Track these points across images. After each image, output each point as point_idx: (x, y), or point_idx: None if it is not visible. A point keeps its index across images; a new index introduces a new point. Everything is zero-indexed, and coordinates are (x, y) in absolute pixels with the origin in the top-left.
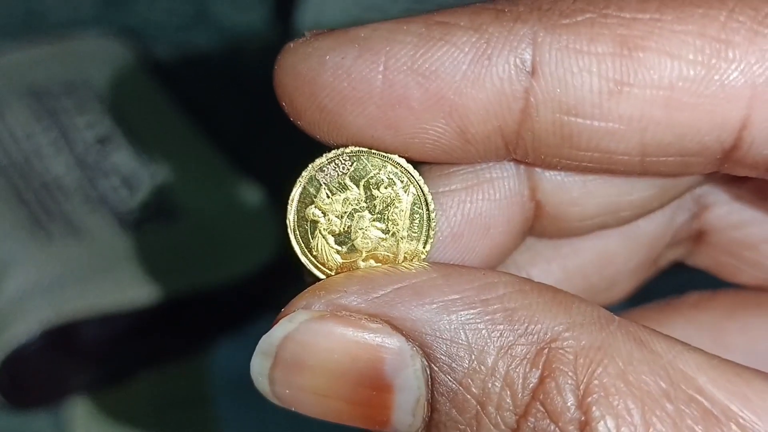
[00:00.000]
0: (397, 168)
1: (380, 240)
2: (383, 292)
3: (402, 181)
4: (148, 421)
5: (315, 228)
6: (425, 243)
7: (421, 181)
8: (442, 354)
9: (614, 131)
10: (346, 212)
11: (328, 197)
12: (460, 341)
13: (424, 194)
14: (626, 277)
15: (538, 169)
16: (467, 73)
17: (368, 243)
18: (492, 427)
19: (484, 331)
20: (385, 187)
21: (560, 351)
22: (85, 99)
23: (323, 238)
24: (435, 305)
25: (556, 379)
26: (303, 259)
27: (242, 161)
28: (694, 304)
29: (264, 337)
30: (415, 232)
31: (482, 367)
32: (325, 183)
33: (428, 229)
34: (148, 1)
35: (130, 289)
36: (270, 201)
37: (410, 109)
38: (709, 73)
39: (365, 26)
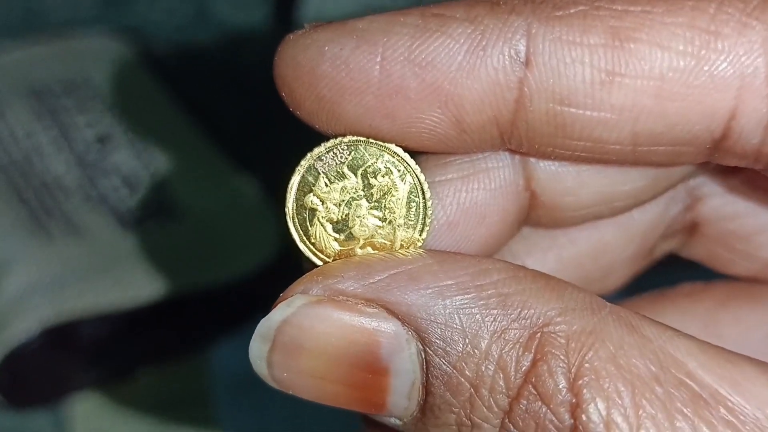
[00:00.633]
0: (394, 157)
1: (377, 228)
2: (379, 278)
3: (399, 170)
4: (147, 419)
5: (313, 216)
6: (421, 231)
7: (418, 170)
8: (436, 338)
9: (606, 121)
10: (343, 200)
11: (327, 186)
12: (455, 325)
13: (420, 183)
14: (620, 267)
15: (532, 159)
16: (463, 64)
17: (365, 231)
18: (485, 410)
19: (478, 316)
20: (383, 176)
21: (552, 335)
22: (86, 98)
23: (321, 225)
24: (430, 290)
25: (548, 363)
26: (301, 246)
27: (243, 160)
28: (687, 295)
29: (262, 320)
30: (411, 220)
31: (476, 350)
32: (323, 172)
33: (424, 218)
34: (148, 0)
35: (130, 288)
36: (270, 200)
37: (407, 98)
38: (698, 63)
39: (363, 18)
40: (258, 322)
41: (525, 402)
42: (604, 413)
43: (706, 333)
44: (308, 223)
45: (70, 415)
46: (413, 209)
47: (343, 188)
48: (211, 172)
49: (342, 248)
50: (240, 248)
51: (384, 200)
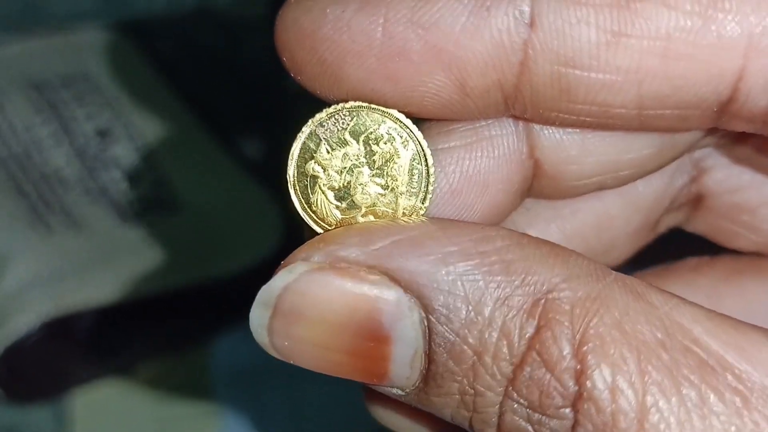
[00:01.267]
0: (396, 123)
1: (379, 195)
2: (381, 244)
3: (401, 137)
4: (148, 413)
5: (315, 183)
6: (424, 199)
7: (421, 137)
8: (439, 305)
9: (612, 83)
10: (345, 167)
11: (328, 152)
12: (458, 292)
13: (423, 150)
14: (624, 240)
15: (536, 127)
16: (466, 25)
17: (367, 198)
18: (489, 377)
19: (481, 283)
20: (385, 143)
21: (557, 301)
22: (85, 91)
23: (323, 193)
24: (433, 257)
25: (553, 329)
26: (303, 214)
27: (243, 154)
28: (692, 269)
29: (263, 287)
30: (414, 188)
31: (479, 317)
32: (325, 138)
33: (427, 185)
34: None
35: (129, 281)
36: (271, 193)
37: (410, 61)
38: (705, 23)
39: None
40: None
41: (529, 369)
42: (609, 379)
43: (711, 306)
44: (309, 191)
45: (70, 410)
46: (416, 177)
47: (344, 155)
48: (212, 166)
49: (344, 216)
50: (240, 241)
51: (386, 167)
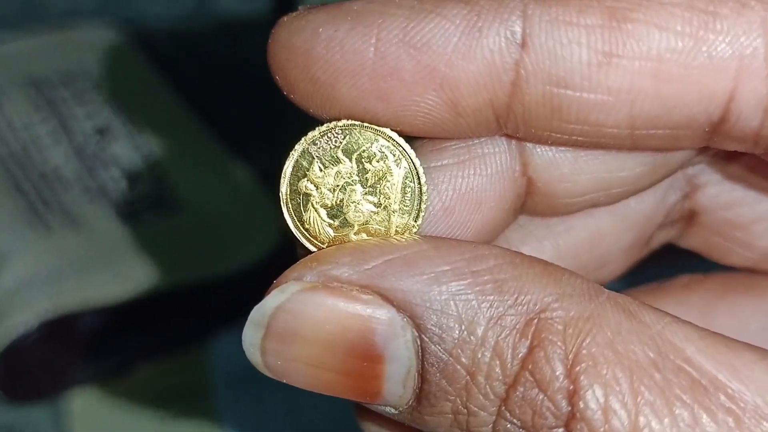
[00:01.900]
0: (389, 141)
1: (372, 213)
2: (374, 264)
3: (394, 155)
4: (147, 413)
5: (307, 201)
6: (417, 217)
7: (413, 155)
8: (432, 325)
9: (603, 103)
10: (338, 185)
11: (321, 170)
12: (450, 312)
13: (416, 168)
14: (617, 257)
15: (529, 145)
16: (458, 46)
17: (360, 216)
18: (481, 397)
19: (474, 302)
20: (377, 161)
21: (549, 321)
22: (85, 89)
23: (315, 211)
24: (425, 276)
25: (545, 349)
26: (295, 232)
27: (243, 152)
28: (684, 287)
29: (256, 307)
30: (406, 206)
31: (472, 337)
32: (317, 156)
33: (420, 203)
34: None
35: (129, 281)
36: (270, 192)
37: (402, 81)
38: (696, 44)
39: (358, 0)
40: None
41: (522, 389)
42: (602, 400)
43: (703, 324)
44: (302, 209)
45: (68, 410)
46: (408, 195)
47: (337, 173)
48: (211, 164)
49: (336, 234)
50: (240, 240)
51: (379, 185)
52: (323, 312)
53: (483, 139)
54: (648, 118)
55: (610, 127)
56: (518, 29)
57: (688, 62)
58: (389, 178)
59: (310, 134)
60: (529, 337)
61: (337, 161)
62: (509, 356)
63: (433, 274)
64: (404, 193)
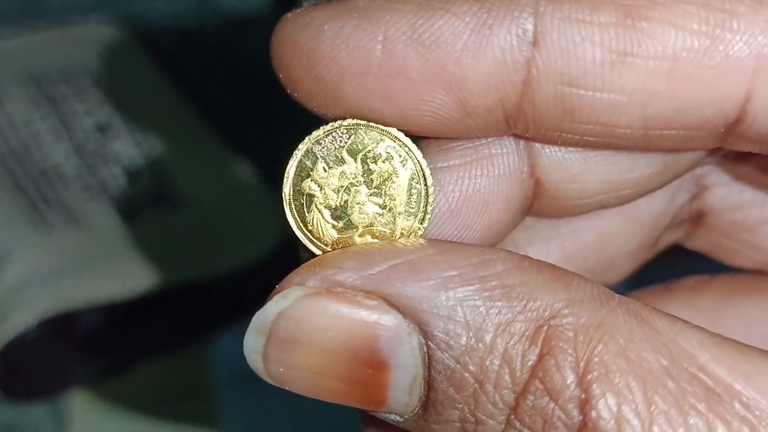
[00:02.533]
0: (395, 142)
1: (377, 215)
2: (379, 269)
3: (400, 156)
4: (148, 412)
5: (311, 202)
6: (422, 219)
7: (420, 156)
8: (439, 331)
9: (616, 103)
10: (342, 186)
11: (325, 171)
12: (458, 318)
13: (422, 169)
14: (625, 258)
15: (538, 146)
16: (468, 44)
17: (365, 218)
18: (490, 406)
19: (482, 308)
20: (383, 161)
21: (560, 328)
22: (85, 86)
23: (319, 212)
24: (432, 282)
25: (556, 357)
26: (298, 233)
27: (244, 149)
28: (691, 288)
29: (258, 313)
30: (412, 208)
31: (480, 344)
32: (321, 156)
33: (426, 205)
34: None
35: (129, 279)
36: (272, 189)
37: (409, 80)
38: (713, 43)
39: None
40: None
41: (532, 398)
42: (614, 409)
43: (710, 326)
44: (305, 210)
45: (68, 408)
46: (414, 196)
47: (342, 173)
48: (212, 161)
49: (340, 236)
50: (241, 238)
51: (384, 186)
52: (327, 318)
53: (491, 140)
54: (661, 119)
55: (622, 128)
56: (530, 27)
57: (704, 62)
58: (395, 179)
59: (314, 133)
60: (539, 344)
61: (342, 161)
62: (518, 364)
63: (439, 280)
64: (410, 194)
